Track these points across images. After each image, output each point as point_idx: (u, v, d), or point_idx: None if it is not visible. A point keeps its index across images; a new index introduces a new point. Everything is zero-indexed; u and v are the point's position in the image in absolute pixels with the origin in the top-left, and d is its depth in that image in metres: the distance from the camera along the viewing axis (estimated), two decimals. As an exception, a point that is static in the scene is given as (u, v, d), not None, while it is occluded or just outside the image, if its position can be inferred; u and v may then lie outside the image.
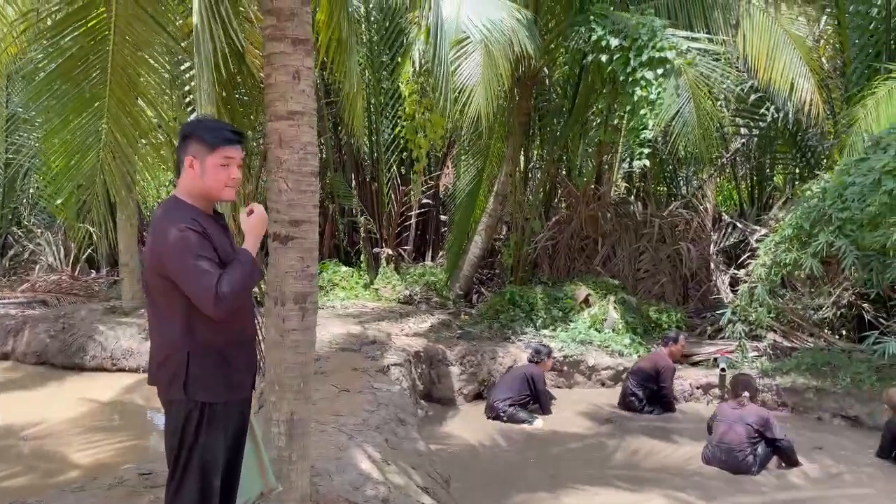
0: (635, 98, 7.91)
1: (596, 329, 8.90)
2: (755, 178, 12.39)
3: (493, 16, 6.77)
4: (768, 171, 12.16)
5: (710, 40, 8.16)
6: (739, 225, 10.69)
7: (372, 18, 11.05)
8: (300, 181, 3.22)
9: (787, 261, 7.15)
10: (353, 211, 11.62)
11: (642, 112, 7.85)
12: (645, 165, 7.79)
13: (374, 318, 9.10)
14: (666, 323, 9.40)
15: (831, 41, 9.94)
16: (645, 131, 7.80)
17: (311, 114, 3.28)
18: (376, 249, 11.46)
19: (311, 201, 3.26)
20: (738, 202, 12.86)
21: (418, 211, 12.03)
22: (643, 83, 7.88)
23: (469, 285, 10.76)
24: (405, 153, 9.94)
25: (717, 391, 7.90)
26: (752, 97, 10.04)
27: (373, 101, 10.90)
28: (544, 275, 10.20)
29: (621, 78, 8.12)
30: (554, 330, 8.93)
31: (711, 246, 10.38)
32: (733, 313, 7.63)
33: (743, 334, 7.84)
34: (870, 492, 5.48)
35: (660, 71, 7.87)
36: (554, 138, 10.27)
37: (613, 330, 8.90)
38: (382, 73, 10.89)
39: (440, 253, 12.70)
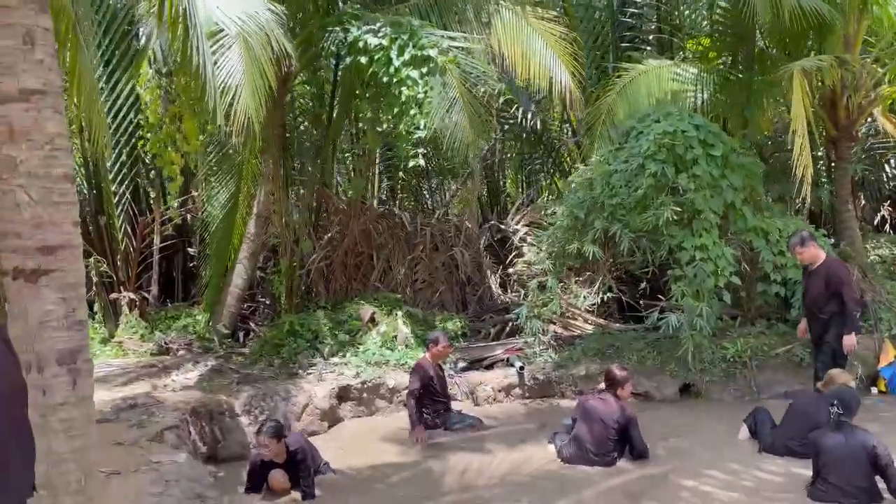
0: (403, 98, 7.53)
1: (388, 348, 8.33)
2: (504, 178, 12.80)
3: (247, 6, 5.87)
4: (513, 171, 12.63)
5: (466, 38, 8.08)
6: (503, 226, 10.91)
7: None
8: (49, 190, 2.17)
9: (571, 250, 7.27)
10: (79, 253, 9.67)
11: (412, 112, 7.48)
12: (419, 166, 7.43)
13: (126, 379, 7.52)
14: (452, 330, 9.16)
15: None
16: (417, 132, 7.44)
17: (57, 94, 2.24)
18: (113, 295, 9.64)
19: (68, 217, 2.22)
20: (489, 203, 13.10)
21: (161, 245, 10.43)
22: (409, 82, 7.52)
23: (235, 322, 9.50)
24: (141, 175, 8.42)
25: (518, 391, 7.80)
26: (501, 99, 10.30)
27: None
28: (322, 298, 9.38)
29: (385, 79, 7.68)
30: (344, 356, 8.17)
31: (482, 249, 10.42)
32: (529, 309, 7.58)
33: (540, 329, 7.83)
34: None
35: (424, 70, 7.57)
36: (315, 150, 9.52)
37: (406, 346, 8.40)
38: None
39: (192, 291, 11.18)
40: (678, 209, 6.78)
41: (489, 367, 8.42)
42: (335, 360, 8.13)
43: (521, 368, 7.77)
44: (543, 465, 5.91)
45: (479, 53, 7.97)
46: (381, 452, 6.35)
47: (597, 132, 8.91)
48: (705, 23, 10.22)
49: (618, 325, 8.79)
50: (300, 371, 7.77)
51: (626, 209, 7.13)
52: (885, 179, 12.07)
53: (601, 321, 8.86)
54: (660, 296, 7.67)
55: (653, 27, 10.38)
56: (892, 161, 11.90)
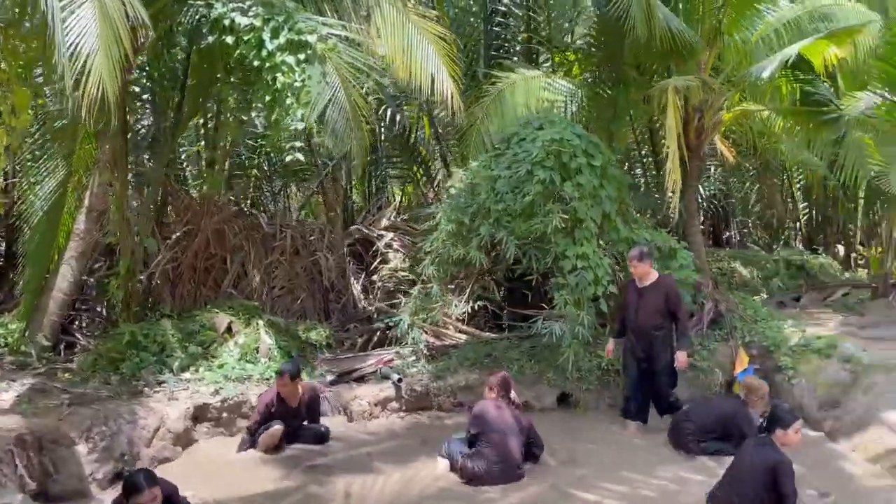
0: (278, 86, 6.83)
1: (249, 361, 7.53)
2: (370, 181, 12.25)
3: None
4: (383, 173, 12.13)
5: (345, 27, 7.55)
6: (365, 230, 10.41)
7: None
8: None
9: (457, 256, 6.98)
10: None
11: (289, 101, 6.81)
12: (299, 160, 6.79)
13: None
14: (317, 341, 8.54)
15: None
16: (295, 123, 6.78)
17: None
18: None
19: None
20: (349, 207, 12.55)
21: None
22: (284, 68, 6.84)
23: (57, 332, 8.13)
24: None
25: (395, 404, 7.35)
26: (371, 98, 9.83)
27: None
28: (167, 306, 8.30)
29: (256, 63, 6.94)
30: (197, 370, 7.25)
31: (346, 254, 9.85)
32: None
33: (421, 339, 7.44)
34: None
35: (301, 56, 6.93)
36: (163, 138, 8.44)
37: (269, 358, 7.65)
38: None
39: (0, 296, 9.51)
40: (566, 217, 6.74)
41: (359, 379, 7.90)
42: (187, 375, 7.20)
43: (399, 381, 7.34)
44: (434, 483, 5.56)
45: (360, 46, 7.44)
46: (255, 480, 5.62)
47: (471, 138, 8.74)
48: (574, 37, 10.50)
49: (489, 334, 8.63)
50: (146, 389, 6.76)
51: (512, 215, 6.98)
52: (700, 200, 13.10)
53: (473, 330, 8.65)
54: (542, 304, 7.58)
55: (520, 38, 10.45)
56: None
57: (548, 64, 10.46)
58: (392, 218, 10.69)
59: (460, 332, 8.67)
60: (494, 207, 7.00)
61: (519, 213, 6.94)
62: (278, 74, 6.80)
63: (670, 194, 7.42)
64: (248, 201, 10.74)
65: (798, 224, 12.48)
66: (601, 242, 7.51)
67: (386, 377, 7.63)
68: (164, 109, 8.61)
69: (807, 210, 12.61)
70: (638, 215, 8.50)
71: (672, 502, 5.04)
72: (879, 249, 11.23)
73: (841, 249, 11.70)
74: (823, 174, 10.80)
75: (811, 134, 8.73)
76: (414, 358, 7.90)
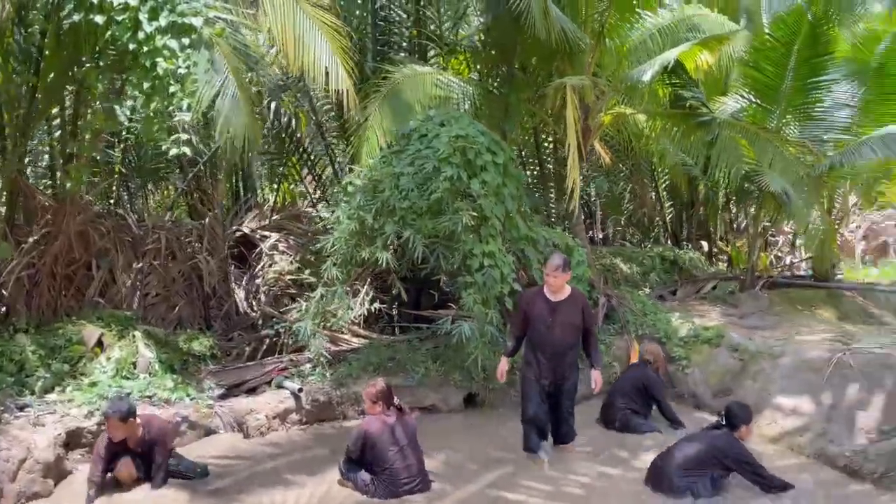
0: (159, 72, 6.15)
1: (125, 377, 6.76)
2: (241, 179, 11.46)
3: None
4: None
5: (231, 11, 6.98)
6: (248, 231, 9.75)
7: None
8: None
9: (364, 256, 6.64)
10: None
11: (172, 89, 6.16)
12: (185, 154, 6.14)
13: None
14: (200, 352, 7.85)
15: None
16: (181, 113, 6.14)
17: None
18: None
19: None
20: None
21: None
22: (166, 53, 6.19)
23: None
24: None
25: (296, 416, 6.88)
26: (254, 90, 9.21)
27: None
28: (22, 318, 7.27)
29: (131, 46, 6.23)
30: (64, 390, 6.42)
31: (228, 257, 9.16)
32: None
33: (323, 346, 7.02)
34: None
35: (185, 40, 6.30)
36: (16, 128, 7.38)
37: (150, 374, 6.91)
38: None
39: None
40: (475, 214, 6.61)
41: (251, 391, 7.35)
42: (53, 396, 6.36)
43: (300, 390, 6.88)
44: (353, 495, 5.22)
45: (250, 34, 6.91)
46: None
47: (364, 134, 8.39)
48: (463, 34, 10.44)
49: (387, 336, 8.33)
50: (5, 415, 5.86)
51: (418, 213, 6.76)
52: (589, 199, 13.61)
53: (371, 334, 8.32)
54: (445, 305, 7.42)
55: (408, 33, 10.23)
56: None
57: (436, 60, 10.32)
58: (268, 218, 10.08)
59: (358, 336, 8.32)
60: (399, 205, 6.73)
61: (425, 211, 6.72)
62: (159, 60, 6.13)
63: (569, 192, 7.54)
64: (112, 200, 9.73)
65: (664, 222, 13.23)
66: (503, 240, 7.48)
67: (281, 387, 7.14)
68: (14, 97, 7.54)
69: (671, 208, 13.39)
70: (533, 214, 8.55)
71: (597, 497, 5.04)
72: (739, 244, 12.14)
73: (704, 245, 12.51)
74: (691, 174, 11.48)
75: (686, 135, 9.19)
76: (311, 365, 7.46)
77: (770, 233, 12.31)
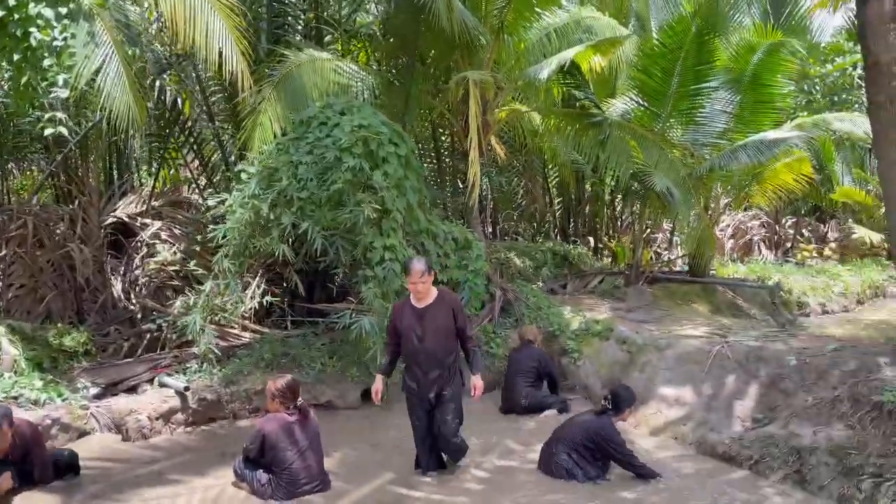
0: (32, 43, 5.58)
1: (-13, 376, 6.13)
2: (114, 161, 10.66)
3: None
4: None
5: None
6: (126, 218, 9.10)
7: None
8: None
9: (259, 247, 6.35)
10: None
11: (47, 63, 5.61)
12: (60, 133, 5.61)
13: None
14: (72, 347, 7.25)
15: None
16: (56, 90, 5.61)
17: None
18: None
19: None
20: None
21: None
22: (41, 22, 5.62)
23: None
24: None
25: (181, 416, 6.50)
26: (135, 66, 8.57)
27: None
28: None
29: (0, 13, 5.62)
30: (-89, 394, 5.73)
31: (105, 246, 8.50)
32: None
33: (213, 341, 6.65)
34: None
35: (63, 10, 5.75)
36: None
37: (15, 372, 6.30)
38: None
39: None
40: (378, 207, 6.47)
41: (131, 390, 6.89)
42: None
43: (185, 389, 6.50)
44: (248, 498, 4.98)
45: (133, 6, 6.41)
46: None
47: (257, 119, 8.02)
48: (359, 21, 10.18)
49: (280, 331, 8.03)
50: None
51: (317, 204, 6.54)
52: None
53: (262, 328, 7.99)
54: (350, 298, 7.23)
55: (302, 17, 9.85)
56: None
57: (333, 46, 10.03)
58: (147, 203, 9.45)
59: (249, 330, 7.98)
60: (298, 195, 6.48)
61: (325, 202, 6.52)
62: (32, 29, 5.57)
63: (469, 186, 7.55)
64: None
65: (554, 217, 13.61)
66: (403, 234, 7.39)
67: (164, 385, 6.73)
68: None
69: (560, 205, 13.80)
70: (432, 207, 8.52)
71: (495, 489, 5.09)
72: (623, 240, 12.68)
73: (591, 241, 12.98)
74: (581, 172, 11.85)
75: (579, 134, 9.45)
76: (198, 362, 7.08)
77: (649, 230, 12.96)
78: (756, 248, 15.55)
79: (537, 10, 9.13)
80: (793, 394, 5.73)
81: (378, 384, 5.27)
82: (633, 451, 5.21)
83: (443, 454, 5.37)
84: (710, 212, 10.95)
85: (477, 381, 5.18)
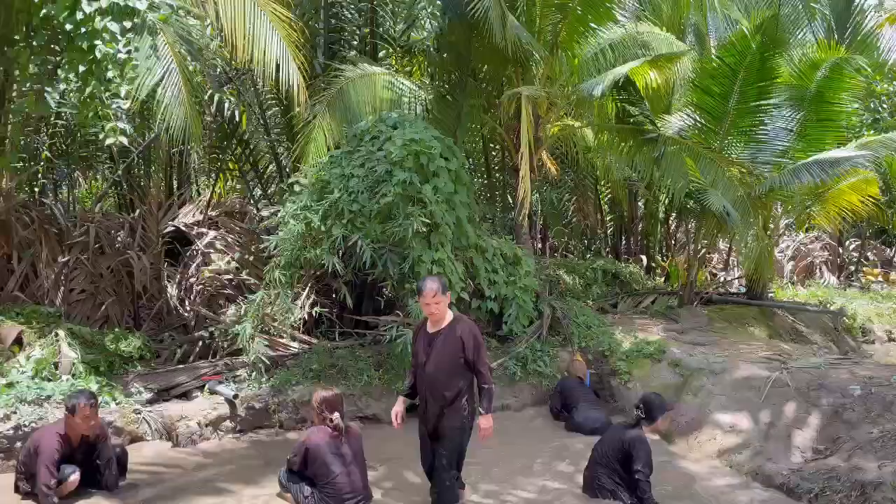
0: (97, 55, 5.79)
1: (46, 378, 6.31)
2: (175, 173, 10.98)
3: None
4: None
5: (179, -1, 6.64)
6: (183, 227, 9.33)
7: None
8: None
9: (310, 258, 6.41)
10: None
11: (110, 74, 5.81)
12: (121, 143, 5.80)
13: None
14: (128, 353, 7.42)
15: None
16: (118, 100, 5.79)
17: None
18: None
19: None
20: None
21: None
22: (106, 36, 5.83)
23: None
24: None
25: (229, 423, 6.58)
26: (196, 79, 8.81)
27: None
28: (-70, 313, 6.74)
29: (68, 27, 5.85)
30: (-23, 392, 5.94)
31: (162, 254, 8.72)
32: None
33: (262, 351, 6.73)
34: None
35: (128, 24, 5.96)
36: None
37: (73, 375, 6.48)
38: None
39: None
40: (428, 221, 6.47)
41: (183, 396, 7.00)
42: (-38, 400, 5.86)
43: (235, 397, 6.58)
44: (292, 509, 5.00)
45: (195, 22, 6.59)
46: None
47: (311, 132, 8.14)
48: (416, 37, 10.28)
49: (329, 342, 8.07)
50: None
51: (367, 217, 6.57)
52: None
53: (311, 339, 8.04)
54: (397, 311, 7.23)
55: (360, 32, 10.00)
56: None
57: (388, 62, 10.15)
58: (204, 214, 9.67)
59: (298, 340, 8.04)
60: (349, 208, 6.53)
61: (375, 215, 6.55)
62: (98, 42, 5.78)
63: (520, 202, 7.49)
64: (38, 189, 9.16)
65: (606, 235, 13.42)
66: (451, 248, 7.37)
67: (214, 392, 6.82)
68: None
69: (612, 222, 13.59)
70: (482, 222, 8.49)
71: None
72: (677, 259, 12.39)
73: (643, 259, 12.73)
74: (633, 189, 11.66)
75: (633, 150, 9.30)
76: (248, 370, 7.16)
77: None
78: (817, 270, 14.99)
79: (592, 25, 9.06)
80: (856, 425, 5.46)
81: (398, 406, 4.90)
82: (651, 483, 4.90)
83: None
84: (769, 232, 10.62)
85: (484, 423, 4.64)
